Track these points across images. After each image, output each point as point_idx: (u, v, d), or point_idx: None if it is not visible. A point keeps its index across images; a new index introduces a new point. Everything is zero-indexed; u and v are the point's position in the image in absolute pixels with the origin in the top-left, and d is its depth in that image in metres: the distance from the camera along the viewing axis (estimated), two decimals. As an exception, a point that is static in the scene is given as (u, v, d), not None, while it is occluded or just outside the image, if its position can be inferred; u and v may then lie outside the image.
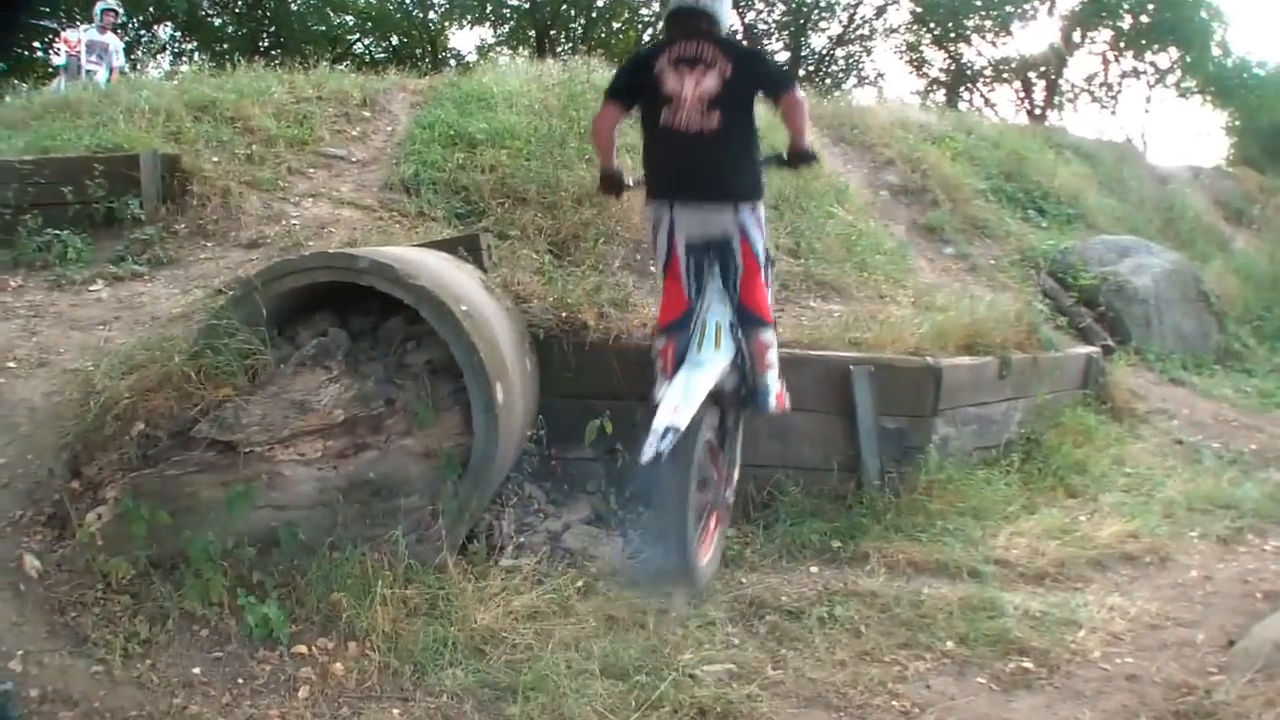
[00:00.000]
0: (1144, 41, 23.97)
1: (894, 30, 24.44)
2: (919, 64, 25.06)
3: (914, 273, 8.97)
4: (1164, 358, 9.15)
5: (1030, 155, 12.38)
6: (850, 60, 24.21)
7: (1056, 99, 24.56)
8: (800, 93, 4.75)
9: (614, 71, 5.61)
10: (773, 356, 4.87)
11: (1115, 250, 9.88)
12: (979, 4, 23.00)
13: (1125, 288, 9.29)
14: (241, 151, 8.46)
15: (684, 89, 4.60)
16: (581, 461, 5.83)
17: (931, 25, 24.24)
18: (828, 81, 19.62)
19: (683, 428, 4.13)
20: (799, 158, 4.89)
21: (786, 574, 5.10)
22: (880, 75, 24.47)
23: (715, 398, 4.60)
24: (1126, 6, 23.16)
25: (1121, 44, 24.30)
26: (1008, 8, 23.14)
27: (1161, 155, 26.04)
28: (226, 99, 9.15)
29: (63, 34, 11.65)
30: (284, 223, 7.89)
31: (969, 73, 24.95)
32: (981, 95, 24.69)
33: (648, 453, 4.06)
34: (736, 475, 5.19)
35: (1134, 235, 10.90)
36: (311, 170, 8.98)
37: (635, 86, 4.83)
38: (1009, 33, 24.35)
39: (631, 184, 5.08)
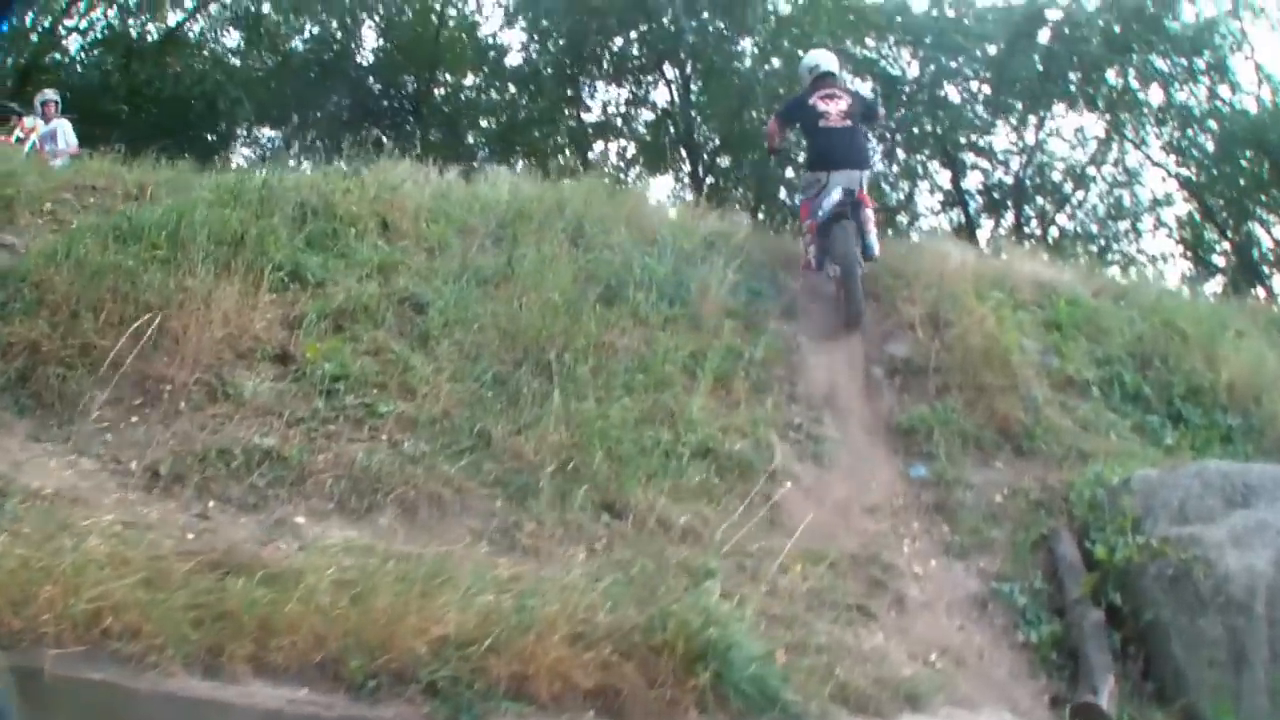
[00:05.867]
0: None
1: (1162, 203, 18.40)
2: (1195, 248, 18.68)
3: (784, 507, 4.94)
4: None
5: (1192, 330, 7.48)
6: (1108, 240, 18.54)
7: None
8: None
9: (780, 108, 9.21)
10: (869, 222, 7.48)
11: (1222, 490, 5.04)
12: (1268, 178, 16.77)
13: (1194, 574, 4.49)
14: None
15: (830, 108, 7.76)
16: None
17: (1208, 201, 18.03)
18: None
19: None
20: None
21: None
22: (1151, 258, 18.34)
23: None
24: None
25: None
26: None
27: None
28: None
29: (22, 119, 11.16)
30: None
31: (1260, 254, 18.18)
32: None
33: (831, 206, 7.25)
34: None
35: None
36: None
37: (794, 113, 8.31)
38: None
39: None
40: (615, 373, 5.94)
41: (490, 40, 19.99)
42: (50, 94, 11.27)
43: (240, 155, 18.47)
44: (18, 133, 10.73)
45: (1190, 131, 17.25)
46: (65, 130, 10.66)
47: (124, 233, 5.90)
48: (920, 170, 18.53)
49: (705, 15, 17.37)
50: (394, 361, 5.56)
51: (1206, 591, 4.46)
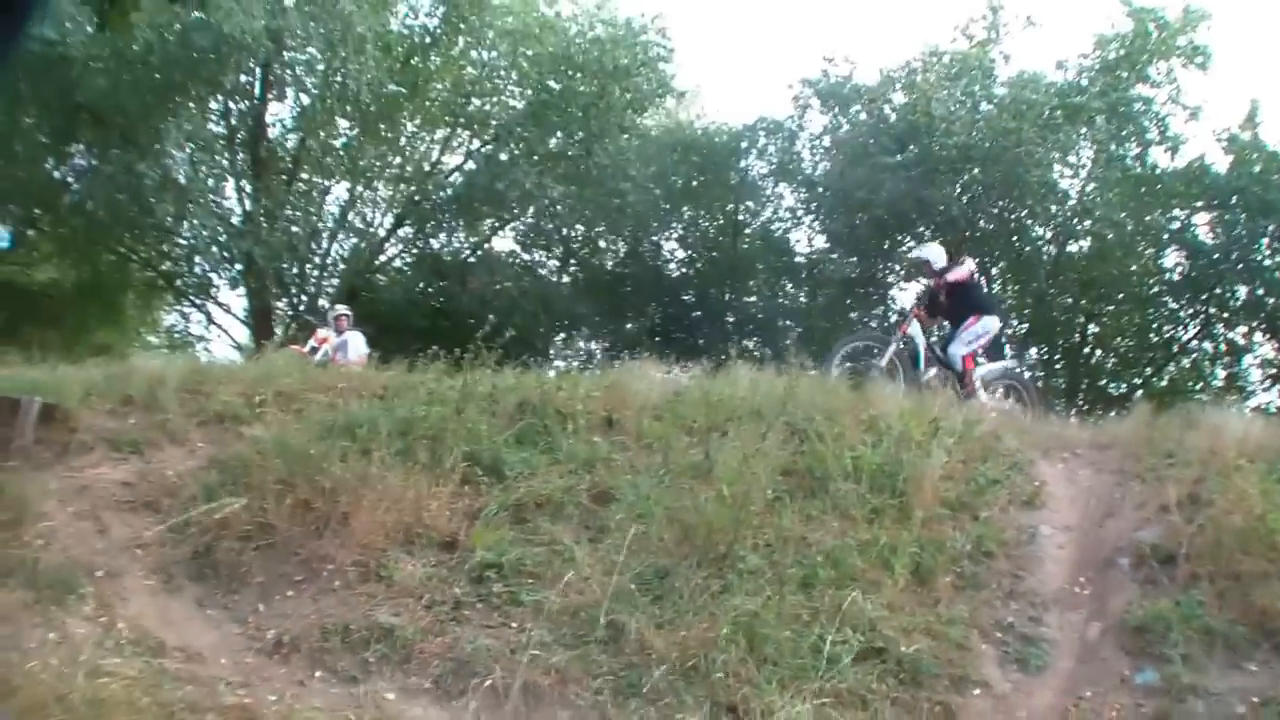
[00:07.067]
0: None
1: None
2: None
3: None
4: None
5: None
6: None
7: None
8: None
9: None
10: None
11: None
12: None
13: None
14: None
15: None
16: None
17: None
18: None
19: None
20: None
21: None
22: None
23: None
24: None
25: None
26: None
27: None
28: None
29: (317, 330, 12.45)
30: None
31: None
32: None
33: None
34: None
35: None
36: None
37: None
38: None
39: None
40: (794, 566, 5.54)
41: (785, 243, 20.54)
42: (341, 308, 12.53)
43: (556, 363, 19.82)
44: (312, 342, 11.91)
45: None
46: (356, 341, 11.71)
47: (334, 427, 6.45)
48: (1241, 344, 16.32)
49: (998, 207, 16.92)
50: (560, 552, 5.52)
51: None
